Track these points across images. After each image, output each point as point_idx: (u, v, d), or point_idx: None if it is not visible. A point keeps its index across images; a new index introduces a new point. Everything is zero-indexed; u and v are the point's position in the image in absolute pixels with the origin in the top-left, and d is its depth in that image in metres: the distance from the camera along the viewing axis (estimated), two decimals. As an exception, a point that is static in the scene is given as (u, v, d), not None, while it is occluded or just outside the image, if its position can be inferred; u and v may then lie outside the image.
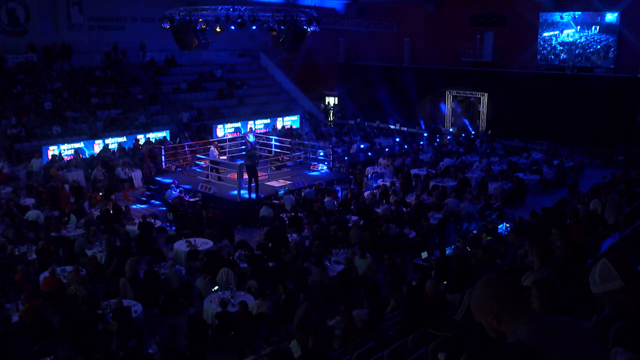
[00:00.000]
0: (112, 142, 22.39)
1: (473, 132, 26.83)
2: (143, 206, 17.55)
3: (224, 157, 20.39)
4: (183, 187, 17.07)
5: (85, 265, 11.71)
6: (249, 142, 20.36)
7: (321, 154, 20.47)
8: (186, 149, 21.24)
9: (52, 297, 10.19)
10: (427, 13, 28.87)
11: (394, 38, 29.74)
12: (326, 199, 15.62)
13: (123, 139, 22.67)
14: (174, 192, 16.59)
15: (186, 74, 28.54)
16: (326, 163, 19.82)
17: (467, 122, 27.72)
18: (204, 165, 19.31)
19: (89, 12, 26.79)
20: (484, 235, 12.11)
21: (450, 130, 27.79)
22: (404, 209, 14.94)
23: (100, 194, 16.92)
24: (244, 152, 19.64)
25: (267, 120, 27.54)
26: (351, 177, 18.80)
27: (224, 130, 25.73)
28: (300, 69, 32.27)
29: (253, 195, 16.20)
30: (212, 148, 19.58)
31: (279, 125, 27.56)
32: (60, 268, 11.55)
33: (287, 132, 26.20)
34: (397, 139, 25.73)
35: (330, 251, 12.14)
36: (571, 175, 19.06)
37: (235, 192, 16.27)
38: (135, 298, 10.40)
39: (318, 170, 19.53)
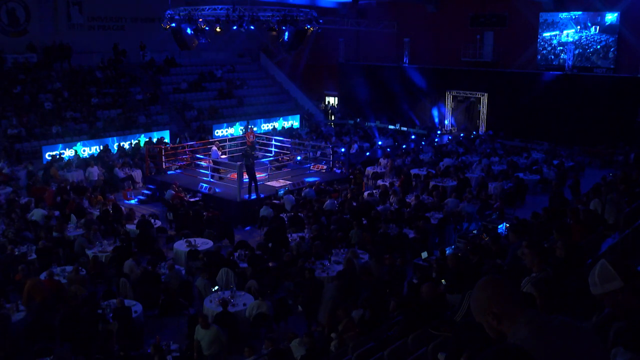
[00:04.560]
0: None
1: (474, 132, 26.84)
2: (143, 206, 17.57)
3: (224, 157, 20.40)
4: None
5: (85, 265, 11.72)
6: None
7: (319, 154, 20.50)
8: (187, 149, 21.23)
9: (52, 297, 10.17)
10: (427, 13, 28.87)
11: (394, 38, 29.73)
12: (327, 202, 15.58)
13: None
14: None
15: (186, 74, 28.55)
16: (325, 163, 19.82)
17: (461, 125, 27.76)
18: (205, 166, 19.31)
19: (89, 12, 26.82)
20: (484, 236, 12.10)
21: (449, 129, 27.81)
22: (405, 209, 14.94)
23: (100, 196, 16.91)
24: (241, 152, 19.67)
25: (270, 125, 27.55)
26: (351, 177, 18.80)
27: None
28: (300, 69, 32.26)
29: (253, 196, 16.21)
30: (214, 148, 19.55)
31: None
32: (60, 268, 11.56)
33: (286, 132, 26.23)
34: (397, 139, 25.72)
35: (330, 251, 12.15)
36: (571, 175, 19.05)
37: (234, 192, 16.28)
38: (135, 298, 10.41)
39: (318, 170, 19.53)
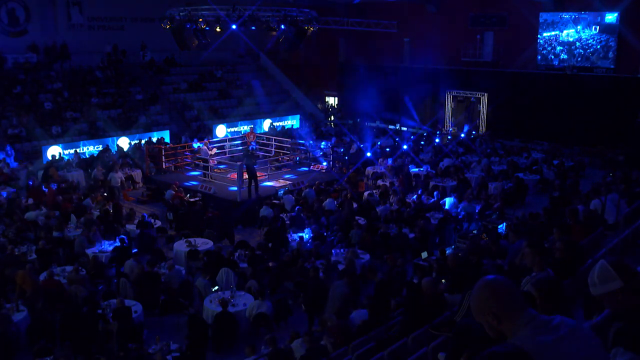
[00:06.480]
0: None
1: (474, 132, 26.81)
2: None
3: (213, 155, 20.42)
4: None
5: (85, 265, 11.71)
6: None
7: (320, 153, 20.50)
8: (186, 149, 21.23)
9: (52, 297, 10.18)
10: (427, 13, 28.86)
11: (394, 38, 29.71)
12: (327, 201, 15.58)
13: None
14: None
15: (186, 74, 28.53)
16: (326, 163, 19.81)
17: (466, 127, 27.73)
18: (202, 165, 19.35)
19: (89, 12, 26.80)
20: (484, 236, 12.10)
21: (450, 130, 27.78)
22: (404, 209, 14.94)
23: (105, 194, 16.90)
24: (241, 152, 19.68)
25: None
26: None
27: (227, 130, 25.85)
28: (300, 69, 32.24)
29: (253, 195, 16.22)
30: (203, 147, 19.57)
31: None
32: (60, 268, 11.56)
33: (286, 132, 26.22)
34: (397, 139, 25.68)
35: (331, 251, 12.15)
36: (571, 175, 19.05)
37: (235, 190, 16.30)
38: (135, 298, 10.41)
39: (318, 170, 19.53)
